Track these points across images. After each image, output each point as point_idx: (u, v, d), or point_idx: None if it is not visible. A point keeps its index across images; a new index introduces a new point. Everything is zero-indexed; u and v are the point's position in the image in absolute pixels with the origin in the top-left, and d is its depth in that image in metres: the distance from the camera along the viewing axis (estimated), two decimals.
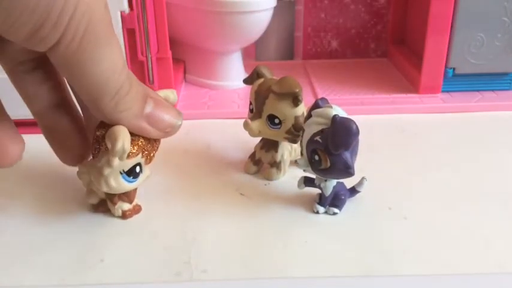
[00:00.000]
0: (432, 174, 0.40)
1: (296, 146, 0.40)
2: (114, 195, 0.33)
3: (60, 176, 0.36)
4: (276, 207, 0.36)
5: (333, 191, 0.34)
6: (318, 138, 0.32)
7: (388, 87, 0.57)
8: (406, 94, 0.55)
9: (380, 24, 0.66)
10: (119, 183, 0.32)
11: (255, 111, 0.37)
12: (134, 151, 0.31)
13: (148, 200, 0.36)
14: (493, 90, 0.54)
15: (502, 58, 0.52)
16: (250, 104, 0.39)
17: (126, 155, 0.30)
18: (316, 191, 0.35)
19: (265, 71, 0.38)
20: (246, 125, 0.37)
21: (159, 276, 0.29)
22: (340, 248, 0.31)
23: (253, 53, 0.67)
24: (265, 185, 0.39)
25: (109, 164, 0.30)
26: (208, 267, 0.30)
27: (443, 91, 0.54)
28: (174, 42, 0.54)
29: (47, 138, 0.34)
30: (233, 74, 0.59)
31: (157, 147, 0.33)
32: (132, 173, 0.32)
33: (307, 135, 0.33)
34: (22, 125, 0.37)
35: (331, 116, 0.31)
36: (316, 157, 0.32)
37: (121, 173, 0.32)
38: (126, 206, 0.34)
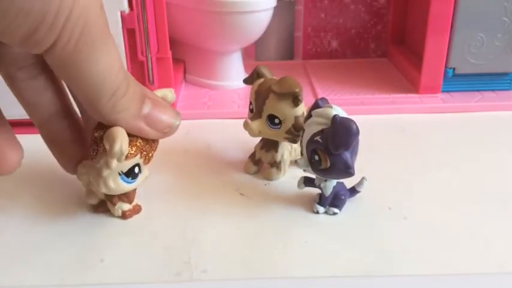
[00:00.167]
0: (432, 174, 0.40)
1: (296, 146, 0.40)
2: (114, 196, 0.33)
3: (60, 176, 0.36)
4: (276, 207, 0.36)
5: (333, 191, 0.34)
6: (318, 138, 0.32)
7: (388, 87, 0.57)
8: (406, 94, 0.55)
9: (380, 24, 0.66)
10: (118, 185, 0.32)
11: (255, 111, 0.37)
12: (132, 152, 0.31)
13: (148, 200, 0.36)
14: (493, 90, 0.54)
15: (502, 58, 0.52)
16: (250, 104, 0.39)
17: (124, 157, 0.30)
18: (316, 191, 0.35)
19: (265, 71, 0.38)
20: (246, 125, 0.37)
21: (159, 276, 0.29)
22: (340, 248, 0.31)
23: (253, 53, 0.67)
24: (265, 185, 0.39)
25: (107, 165, 0.30)
26: (208, 267, 0.30)
27: (443, 91, 0.54)
28: (174, 42, 0.54)
29: (48, 146, 0.34)
30: (233, 74, 0.59)
31: (156, 148, 0.33)
32: (131, 174, 0.32)
33: (307, 135, 0.33)
34: (21, 125, 0.37)
35: (331, 116, 0.31)
36: (316, 157, 0.32)
37: (120, 174, 0.32)
38: (126, 207, 0.34)
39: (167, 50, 0.49)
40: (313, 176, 0.34)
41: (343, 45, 0.67)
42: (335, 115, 0.31)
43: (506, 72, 0.53)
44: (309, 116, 0.33)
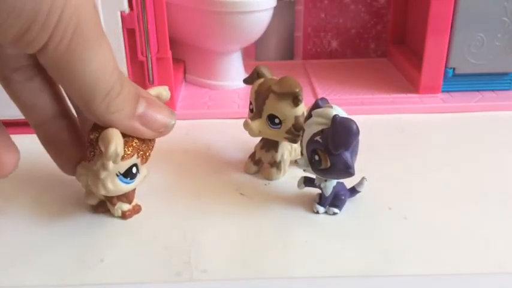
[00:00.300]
0: (432, 174, 0.40)
1: (296, 146, 0.40)
2: (113, 196, 0.33)
3: (59, 176, 0.36)
4: (276, 207, 0.36)
5: (333, 191, 0.34)
6: (318, 138, 0.32)
7: (388, 87, 0.57)
8: (406, 94, 0.55)
9: (380, 24, 0.66)
10: (116, 186, 0.32)
11: (255, 111, 0.37)
12: (129, 152, 0.31)
13: (148, 200, 0.36)
14: (493, 90, 0.54)
15: (502, 58, 0.52)
16: (250, 104, 0.39)
17: (120, 158, 0.30)
18: (316, 191, 0.35)
19: (265, 71, 0.38)
20: (246, 125, 0.37)
21: (159, 276, 0.29)
22: (340, 248, 0.31)
23: (253, 53, 0.67)
24: (265, 185, 0.39)
25: (104, 167, 0.30)
26: (208, 267, 0.30)
27: (443, 91, 0.54)
28: (174, 42, 0.54)
29: (44, 147, 0.33)
30: (233, 74, 0.59)
31: (153, 147, 0.33)
32: (129, 174, 0.32)
33: (307, 135, 0.33)
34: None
35: (331, 116, 0.31)
36: (316, 157, 0.32)
37: (117, 175, 0.31)
38: (126, 207, 0.34)
39: (167, 50, 0.49)
40: (313, 176, 0.34)
41: (343, 45, 0.67)
42: (335, 115, 0.31)
43: (506, 72, 0.53)
44: (309, 116, 0.33)
